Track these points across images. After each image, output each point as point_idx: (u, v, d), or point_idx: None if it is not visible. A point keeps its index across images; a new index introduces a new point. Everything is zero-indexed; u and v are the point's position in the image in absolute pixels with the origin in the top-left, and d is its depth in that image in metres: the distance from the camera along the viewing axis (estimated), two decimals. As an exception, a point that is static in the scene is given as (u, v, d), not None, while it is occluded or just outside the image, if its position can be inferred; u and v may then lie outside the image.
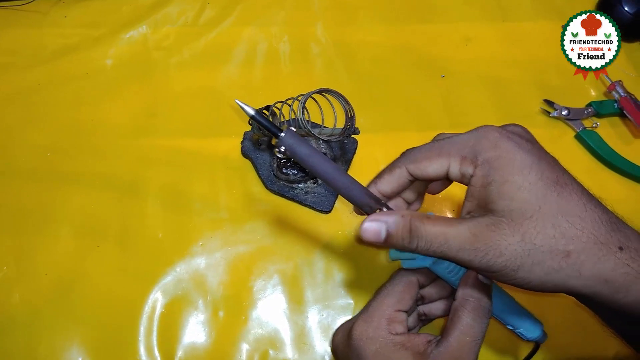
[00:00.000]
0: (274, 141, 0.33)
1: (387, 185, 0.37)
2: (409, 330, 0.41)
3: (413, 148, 0.36)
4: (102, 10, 0.67)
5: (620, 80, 0.61)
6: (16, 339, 0.47)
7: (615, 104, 0.61)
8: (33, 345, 0.47)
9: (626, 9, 0.65)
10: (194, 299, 0.49)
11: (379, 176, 0.37)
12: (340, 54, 0.65)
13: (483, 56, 0.66)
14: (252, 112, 0.33)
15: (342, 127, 0.48)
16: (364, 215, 0.36)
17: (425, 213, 0.33)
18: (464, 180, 0.33)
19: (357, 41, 0.66)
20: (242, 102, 0.33)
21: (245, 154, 0.57)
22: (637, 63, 0.65)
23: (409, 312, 0.40)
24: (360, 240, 0.38)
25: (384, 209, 0.35)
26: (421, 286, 0.40)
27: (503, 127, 0.34)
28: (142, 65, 0.64)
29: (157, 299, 0.49)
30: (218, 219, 0.54)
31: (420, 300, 0.42)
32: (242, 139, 0.57)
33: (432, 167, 0.34)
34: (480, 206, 0.32)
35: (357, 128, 0.48)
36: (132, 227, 0.53)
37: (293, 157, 0.33)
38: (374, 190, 0.37)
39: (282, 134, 0.33)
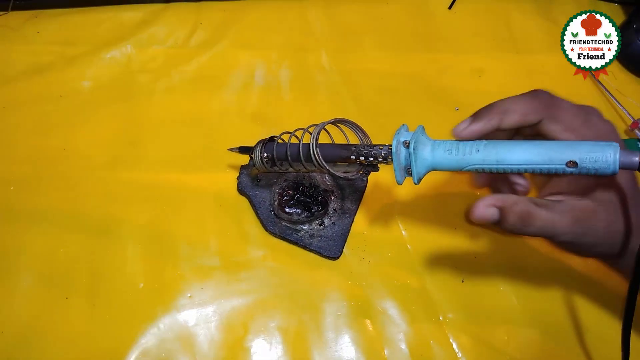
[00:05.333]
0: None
1: None
2: None
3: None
4: (80, 27, 0.62)
5: (643, 119, 0.58)
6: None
7: (639, 142, 0.57)
8: None
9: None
10: (180, 364, 0.43)
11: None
12: (345, 83, 0.61)
13: (497, 89, 0.62)
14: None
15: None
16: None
17: (529, 197, 0.35)
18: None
19: (363, 69, 0.62)
20: None
21: (241, 190, 0.51)
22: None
23: None
24: (468, 217, 0.39)
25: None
26: None
27: None
28: (124, 88, 0.59)
29: (136, 363, 0.43)
30: (209, 266, 0.49)
31: None
32: (238, 174, 0.52)
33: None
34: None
35: (377, 164, 0.42)
36: (107, 275, 0.48)
37: None
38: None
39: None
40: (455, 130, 0.35)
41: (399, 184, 0.37)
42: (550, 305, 0.48)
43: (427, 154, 0.35)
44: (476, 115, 0.35)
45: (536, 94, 0.35)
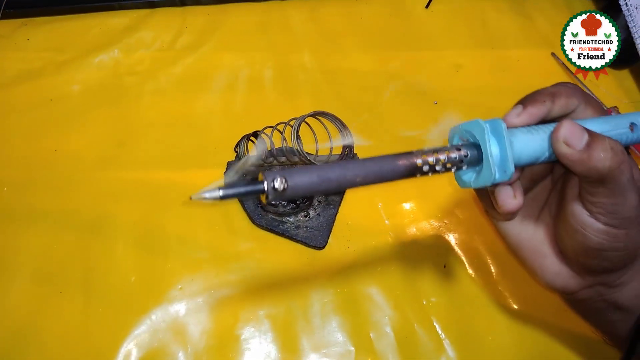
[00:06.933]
0: (263, 198, 0.23)
1: None
2: None
3: None
4: (68, 33, 0.63)
5: (615, 107, 0.60)
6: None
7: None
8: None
9: (614, 36, 0.64)
10: (172, 352, 0.44)
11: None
12: (327, 82, 0.62)
13: (474, 84, 0.63)
14: (220, 193, 0.22)
15: (339, 153, 0.44)
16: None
17: None
18: None
19: (345, 68, 0.63)
20: (201, 193, 0.22)
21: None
22: (629, 90, 0.64)
23: None
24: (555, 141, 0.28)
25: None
26: None
27: None
28: (113, 91, 0.59)
29: (129, 352, 0.44)
30: (198, 259, 0.49)
31: None
32: (224, 170, 0.53)
33: None
34: None
35: (356, 154, 0.44)
36: (99, 271, 0.48)
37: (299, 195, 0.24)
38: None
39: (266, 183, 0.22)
40: (509, 118, 0.29)
41: (499, 181, 0.27)
42: (529, 287, 0.49)
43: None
44: (526, 101, 0.30)
45: (565, 83, 0.31)
